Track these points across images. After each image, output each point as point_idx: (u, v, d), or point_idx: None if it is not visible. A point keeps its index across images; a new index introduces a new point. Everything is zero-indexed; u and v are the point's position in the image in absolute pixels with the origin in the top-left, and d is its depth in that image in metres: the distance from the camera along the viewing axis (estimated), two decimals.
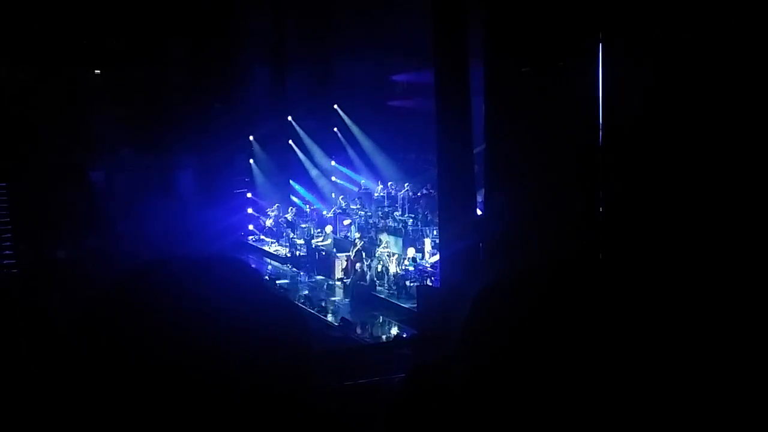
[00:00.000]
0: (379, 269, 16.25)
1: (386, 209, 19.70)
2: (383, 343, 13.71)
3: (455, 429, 1.24)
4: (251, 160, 23.43)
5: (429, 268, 15.34)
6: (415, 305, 13.76)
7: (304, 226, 20.66)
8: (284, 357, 1.06)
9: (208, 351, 1.01)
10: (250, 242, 21.93)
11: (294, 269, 19.07)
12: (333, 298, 16.64)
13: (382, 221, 18.76)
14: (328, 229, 19.53)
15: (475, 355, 1.19)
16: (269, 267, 19.91)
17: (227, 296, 1.06)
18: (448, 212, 9.91)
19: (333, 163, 23.83)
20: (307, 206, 22.36)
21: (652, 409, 1.11)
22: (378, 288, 16.04)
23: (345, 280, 17.09)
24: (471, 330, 1.21)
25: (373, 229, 18.50)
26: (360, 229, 18.91)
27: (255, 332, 1.04)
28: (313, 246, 18.97)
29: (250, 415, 1.01)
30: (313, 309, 15.45)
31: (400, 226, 17.97)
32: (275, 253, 20.57)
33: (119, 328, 1.04)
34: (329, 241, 18.88)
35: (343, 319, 14.73)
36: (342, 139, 23.67)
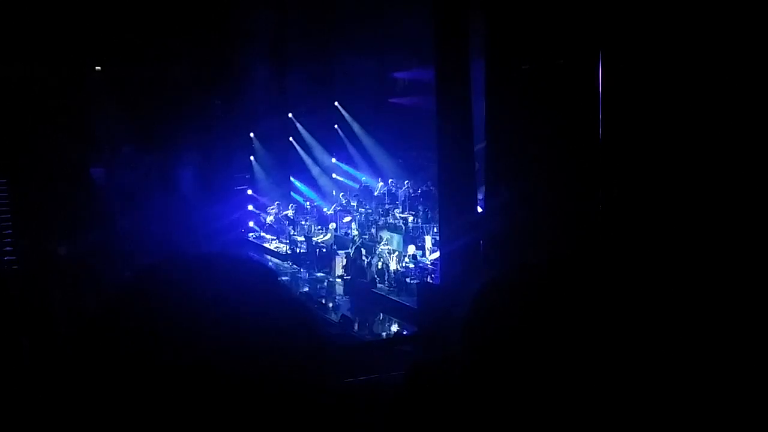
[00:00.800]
0: (379, 266, 16.25)
1: (387, 206, 19.70)
2: (383, 340, 13.73)
3: (455, 426, 1.25)
4: (252, 157, 23.44)
5: (429, 266, 15.34)
6: (416, 302, 13.76)
7: (304, 223, 20.67)
8: (295, 357, 1.06)
9: (216, 351, 1.01)
10: (251, 239, 21.93)
11: (294, 266, 19.08)
12: (333, 295, 16.65)
13: (383, 218, 18.76)
14: (332, 226, 19.55)
15: (475, 353, 1.19)
16: (269, 264, 19.90)
17: (236, 294, 1.05)
18: (448, 209, 9.91)
19: (333, 160, 23.84)
20: (308, 203, 22.37)
21: (651, 406, 1.11)
22: (378, 285, 16.04)
23: (345, 277, 17.10)
24: (471, 327, 1.22)
25: (374, 226, 18.51)
26: (360, 226, 18.92)
27: (264, 332, 1.04)
28: (314, 243, 18.98)
29: (260, 415, 1.02)
30: (313, 306, 15.44)
31: (401, 223, 17.98)
32: (275, 250, 20.57)
33: (129, 329, 1.04)
34: (329, 236, 18.89)
35: (343, 316, 14.74)
36: (343, 136, 23.67)
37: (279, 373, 1.03)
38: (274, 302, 1.08)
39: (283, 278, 17.88)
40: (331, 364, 1.12)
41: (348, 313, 15.01)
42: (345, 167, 23.66)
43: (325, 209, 21.30)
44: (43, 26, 18.41)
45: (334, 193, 22.60)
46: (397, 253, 16.34)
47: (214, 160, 21.86)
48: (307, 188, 23.50)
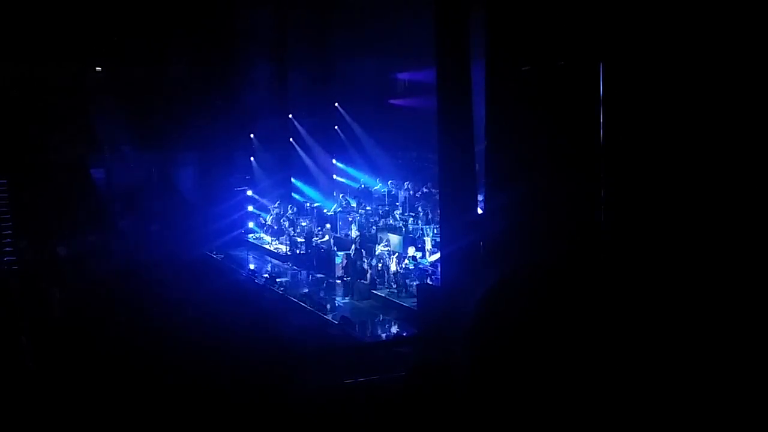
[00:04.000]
0: (379, 268, 16.25)
1: (386, 207, 19.70)
2: (383, 341, 13.72)
3: (455, 427, 1.24)
4: (252, 158, 23.45)
5: (429, 267, 15.34)
6: (415, 304, 13.75)
7: (304, 224, 20.66)
8: (260, 364, 1.08)
9: (182, 351, 1.03)
10: (251, 240, 21.93)
11: (294, 267, 19.07)
12: (333, 296, 16.64)
13: (383, 219, 18.76)
14: (327, 226, 19.58)
15: (477, 354, 1.19)
16: (269, 265, 19.92)
17: (209, 301, 1.07)
18: (448, 211, 9.92)
19: (334, 161, 23.85)
20: (308, 204, 22.37)
21: (653, 408, 1.10)
22: (378, 286, 16.04)
23: (345, 278, 17.09)
24: (474, 329, 1.21)
25: (374, 227, 18.50)
26: (360, 227, 18.91)
27: (231, 338, 1.06)
28: (314, 244, 18.97)
29: (223, 415, 1.03)
30: (313, 307, 15.46)
31: (401, 224, 17.97)
32: (275, 250, 20.56)
33: (103, 327, 1.05)
34: (326, 237, 18.89)
35: (343, 317, 14.73)
36: (343, 137, 23.68)
37: (242, 378, 1.04)
38: (245, 313, 1.10)
39: (283, 279, 17.89)
40: (317, 362, 1.13)
41: (348, 315, 14.99)
42: (345, 168, 23.67)
43: (325, 210, 21.31)
44: (43, 26, 18.42)
45: (334, 194, 22.62)
46: (396, 254, 16.33)
47: (215, 161, 21.87)
48: (307, 189, 23.51)
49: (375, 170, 22.67)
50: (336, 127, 23.75)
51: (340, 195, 21.73)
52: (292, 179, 23.68)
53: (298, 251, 19.54)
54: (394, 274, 15.88)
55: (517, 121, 7.67)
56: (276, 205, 22.20)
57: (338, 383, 6.52)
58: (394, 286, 15.72)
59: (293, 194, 23.45)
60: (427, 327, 11.04)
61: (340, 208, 20.76)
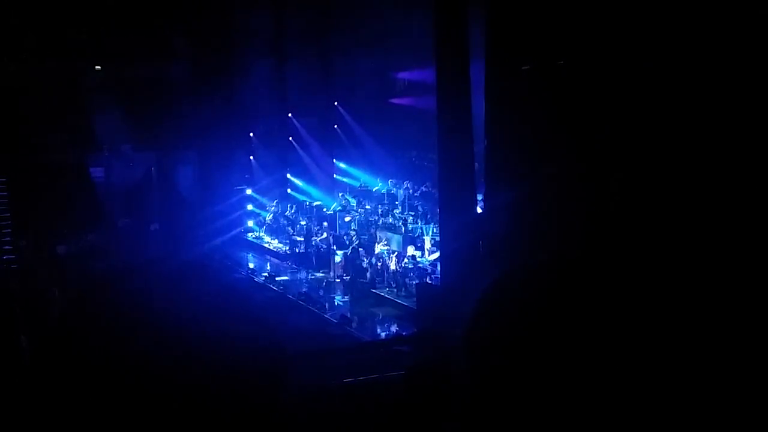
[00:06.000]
0: (378, 266, 16.25)
1: (386, 207, 19.70)
2: (382, 340, 13.73)
3: (454, 426, 1.24)
4: (251, 157, 23.44)
5: (429, 266, 15.34)
6: (415, 303, 13.76)
7: (303, 222, 20.66)
8: (255, 364, 1.08)
9: (178, 353, 1.03)
10: (250, 239, 21.93)
11: (294, 266, 19.07)
12: (332, 296, 16.65)
13: (382, 219, 18.76)
14: (324, 224, 19.60)
15: (476, 354, 1.19)
16: (268, 264, 19.92)
17: (202, 301, 1.07)
18: (448, 210, 9.92)
19: (333, 160, 23.84)
20: (307, 202, 22.38)
21: (656, 409, 1.10)
22: (377, 285, 16.04)
23: (344, 277, 17.09)
24: (472, 328, 1.21)
25: (373, 226, 18.50)
26: (360, 226, 18.91)
27: (225, 339, 1.06)
28: (313, 243, 18.97)
29: (219, 419, 1.03)
30: (312, 306, 15.46)
31: (400, 223, 17.97)
32: (275, 249, 20.56)
33: (98, 328, 1.06)
34: (324, 235, 18.91)
35: (342, 316, 14.73)
36: (342, 136, 23.67)
37: (240, 377, 1.05)
38: (244, 311, 1.11)
39: (283, 278, 17.89)
40: (290, 373, 1.13)
41: (347, 314, 15.00)
42: (345, 167, 23.66)
43: (324, 209, 21.31)
44: (42, 26, 18.41)
45: (333, 193, 22.61)
46: (396, 253, 16.34)
47: (214, 160, 21.86)
48: (307, 187, 23.51)
49: (375, 169, 22.67)
50: (336, 126, 23.74)
51: (340, 194, 21.73)
52: (292, 178, 23.67)
53: (297, 250, 19.54)
54: (393, 273, 15.89)
55: (517, 120, 7.68)
56: (273, 203, 22.19)
57: (338, 382, 6.52)
58: (393, 285, 15.73)
59: (292, 192, 23.45)
60: (427, 326, 11.04)
61: (339, 207, 20.77)
